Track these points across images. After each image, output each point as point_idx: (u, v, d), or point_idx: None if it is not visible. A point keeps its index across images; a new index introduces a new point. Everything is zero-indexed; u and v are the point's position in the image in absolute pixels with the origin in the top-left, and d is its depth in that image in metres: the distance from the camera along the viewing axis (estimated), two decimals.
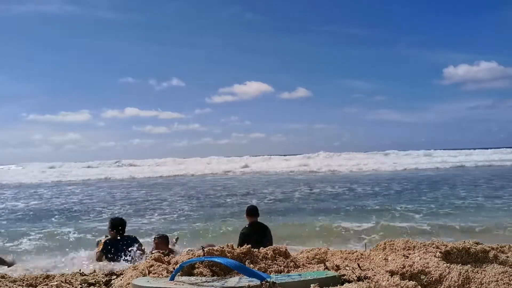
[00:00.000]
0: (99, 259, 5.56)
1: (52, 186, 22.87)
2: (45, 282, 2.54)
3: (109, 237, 5.83)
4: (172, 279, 2.04)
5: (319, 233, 8.21)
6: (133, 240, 5.84)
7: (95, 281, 2.49)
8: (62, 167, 38.92)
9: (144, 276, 2.22)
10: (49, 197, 16.13)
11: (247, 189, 17.42)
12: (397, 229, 8.10)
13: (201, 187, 18.81)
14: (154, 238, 5.80)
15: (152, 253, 5.63)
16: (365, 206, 11.22)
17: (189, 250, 3.43)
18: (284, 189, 17.03)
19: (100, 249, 5.63)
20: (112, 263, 5.42)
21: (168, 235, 6.14)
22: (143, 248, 5.82)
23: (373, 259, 2.43)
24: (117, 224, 5.80)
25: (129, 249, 5.58)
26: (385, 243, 2.68)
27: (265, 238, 6.03)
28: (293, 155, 41.04)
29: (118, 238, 5.71)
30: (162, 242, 5.68)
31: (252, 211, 6.07)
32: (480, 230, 8.06)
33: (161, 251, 5.58)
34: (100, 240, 5.92)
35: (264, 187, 18.31)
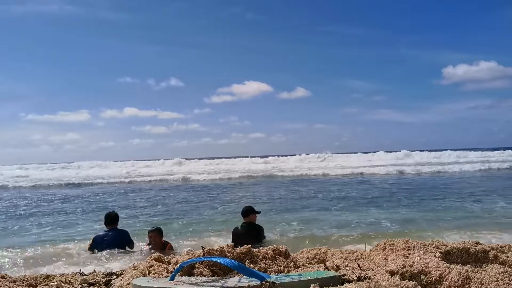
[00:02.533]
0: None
1: None
2: (45, 282, 2.54)
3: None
4: (172, 279, 2.04)
5: None
6: (121, 233, 6.09)
7: (95, 281, 2.49)
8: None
9: (144, 276, 2.22)
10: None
11: (216, 194, 16.01)
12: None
13: (162, 193, 17.01)
14: (149, 231, 5.93)
15: (149, 246, 5.79)
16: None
17: (189, 250, 3.43)
18: (254, 193, 15.83)
19: (89, 246, 5.95)
20: (102, 253, 5.68)
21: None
22: (132, 245, 6.08)
23: (373, 259, 2.43)
24: (107, 218, 6.14)
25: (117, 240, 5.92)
26: (385, 243, 2.68)
27: (257, 238, 6.09)
28: (291, 155, 40.84)
29: (107, 230, 6.04)
30: (155, 234, 5.86)
31: (243, 213, 6.23)
32: None
33: (154, 243, 5.77)
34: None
35: (235, 191, 17.35)
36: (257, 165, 33.46)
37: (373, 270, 2.13)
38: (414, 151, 40.02)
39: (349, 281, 1.92)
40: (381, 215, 9.46)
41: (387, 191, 15.10)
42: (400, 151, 38.85)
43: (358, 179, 21.62)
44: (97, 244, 5.87)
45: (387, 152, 39.01)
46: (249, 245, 2.47)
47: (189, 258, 2.31)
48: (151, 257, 2.48)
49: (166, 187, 19.88)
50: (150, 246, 5.83)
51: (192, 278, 2.09)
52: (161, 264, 2.40)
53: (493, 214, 9.17)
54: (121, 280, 2.30)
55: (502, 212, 9.44)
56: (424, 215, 9.23)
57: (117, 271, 2.79)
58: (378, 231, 7.58)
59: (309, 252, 2.71)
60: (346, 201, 12.22)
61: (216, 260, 2.10)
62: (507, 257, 2.34)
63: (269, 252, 2.44)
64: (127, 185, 22.29)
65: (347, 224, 8.47)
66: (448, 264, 2.08)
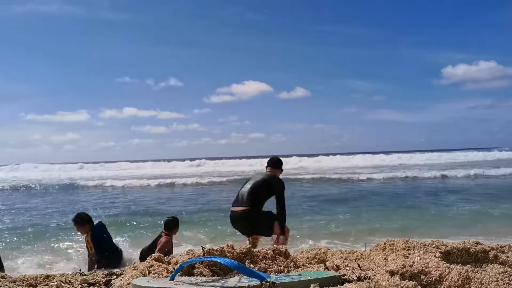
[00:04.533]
0: (95, 261, 5.67)
1: None
2: (45, 282, 2.54)
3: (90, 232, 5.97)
4: (172, 279, 2.04)
5: None
6: (103, 226, 6.14)
7: (95, 281, 2.49)
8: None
9: (144, 276, 2.22)
10: None
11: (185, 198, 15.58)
12: None
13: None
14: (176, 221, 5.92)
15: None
16: None
17: (189, 250, 3.44)
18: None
19: (93, 251, 5.78)
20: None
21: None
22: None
23: (373, 259, 2.43)
24: (77, 217, 6.01)
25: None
26: (385, 243, 2.68)
27: None
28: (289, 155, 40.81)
29: (94, 225, 5.97)
30: (174, 224, 5.79)
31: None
32: None
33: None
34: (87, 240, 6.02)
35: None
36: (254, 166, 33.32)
37: (373, 270, 2.13)
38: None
39: (349, 281, 1.92)
40: None
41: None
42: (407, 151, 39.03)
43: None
44: (99, 240, 5.82)
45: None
46: (249, 245, 2.48)
47: (189, 258, 2.31)
48: (151, 257, 2.49)
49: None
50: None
51: (192, 278, 2.09)
52: (161, 264, 2.40)
53: None
54: (121, 280, 2.30)
55: None
56: None
57: (117, 271, 2.79)
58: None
59: (309, 252, 2.71)
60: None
61: (216, 260, 2.10)
62: (507, 257, 2.34)
63: (269, 252, 2.44)
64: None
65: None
66: (448, 264, 2.08)
